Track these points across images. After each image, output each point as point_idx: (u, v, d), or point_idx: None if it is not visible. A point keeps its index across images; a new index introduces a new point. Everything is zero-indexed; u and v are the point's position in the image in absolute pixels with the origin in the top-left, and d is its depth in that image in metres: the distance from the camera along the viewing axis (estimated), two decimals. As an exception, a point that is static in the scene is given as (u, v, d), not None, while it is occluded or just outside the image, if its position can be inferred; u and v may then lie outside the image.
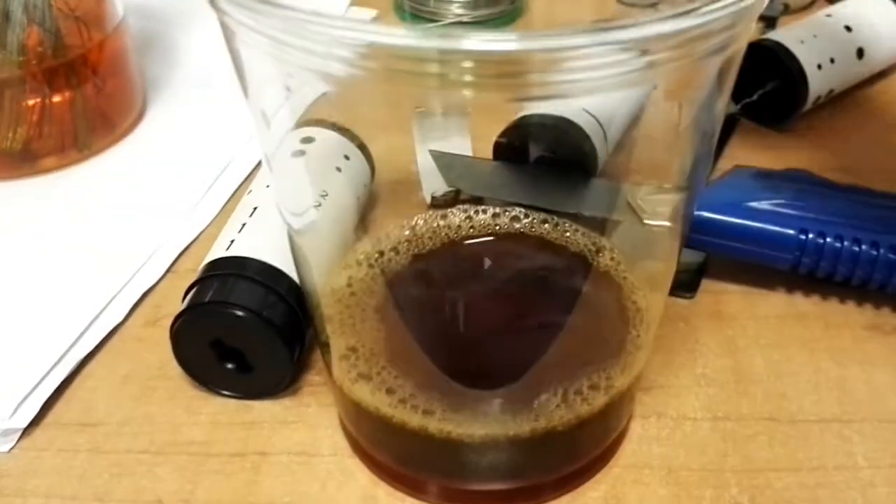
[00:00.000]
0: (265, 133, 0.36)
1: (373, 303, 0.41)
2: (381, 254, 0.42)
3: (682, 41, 0.27)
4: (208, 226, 0.55)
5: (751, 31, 0.31)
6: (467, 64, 0.26)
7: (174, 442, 0.43)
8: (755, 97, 0.62)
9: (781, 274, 0.49)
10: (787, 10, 0.72)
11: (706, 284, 0.50)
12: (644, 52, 0.26)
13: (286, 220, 0.38)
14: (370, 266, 0.42)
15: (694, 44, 0.27)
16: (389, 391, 0.38)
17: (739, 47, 0.31)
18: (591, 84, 0.27)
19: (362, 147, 0.47)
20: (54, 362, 0.45)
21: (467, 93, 0.27)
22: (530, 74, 0.26)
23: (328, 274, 0.41)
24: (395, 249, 0.43)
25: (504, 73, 0.26)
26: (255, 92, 0.34)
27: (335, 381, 0.40)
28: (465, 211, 0.45)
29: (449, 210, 0.45)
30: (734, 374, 0.45)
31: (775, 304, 0.49)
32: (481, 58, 0.25)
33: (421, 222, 0.44)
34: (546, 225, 0.44)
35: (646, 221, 0.42)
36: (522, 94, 0.28)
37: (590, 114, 0.49)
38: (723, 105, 0.35)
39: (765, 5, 0.29)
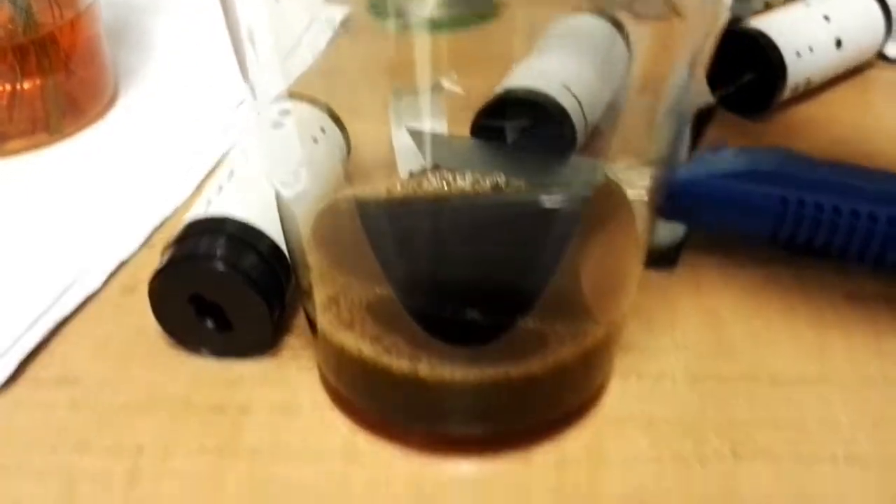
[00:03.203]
0: (252, 100, 0.37)
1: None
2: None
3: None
4: (184, 202, 0.55)
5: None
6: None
7: (154, 397, 0.42)
8: (732, 89, 0.63)
9: (760, 247, 0.49)
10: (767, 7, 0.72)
11: (685, 258, 0.50)
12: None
13: (274, 186, 0.39)
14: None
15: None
16: (374, 339, 0.38)
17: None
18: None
19: (337, 120, 0.47)
20: (31, 322, 0.45)
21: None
22: None
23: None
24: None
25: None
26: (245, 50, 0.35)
27: (319, 330, 0.40)
28: (444, 177, 0.45)
29: (427, 177, 0.45)
30: (714, 339, 0.46)
31: (754, 274, 0.50)
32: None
33: (398, 188, 0.44)
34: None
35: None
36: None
37: (569, 90, 0.49)
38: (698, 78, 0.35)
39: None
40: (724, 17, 0.33)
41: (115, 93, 0.65)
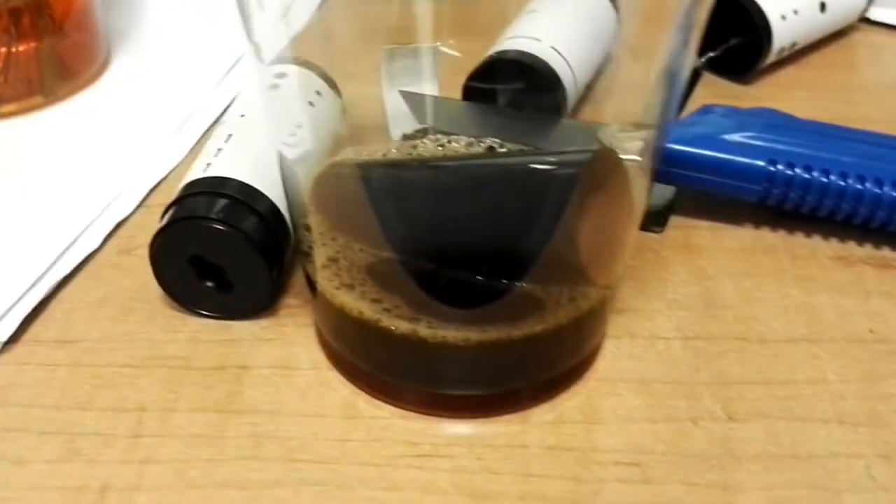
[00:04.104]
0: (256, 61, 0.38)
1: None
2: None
3: None
4: (179, 164, 0.55)
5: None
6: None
7: (154, 356, 0.43)
8: (719, 52, 0.63)
9: (748, 209, 0.50)
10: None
11: (676, 220, 0.51)
12: None
13: (276, 147, 0.39)
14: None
15: None
16: (374, 301, 0.38)
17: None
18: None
19: (332, 83, 0.47)
20: (31, 283, 0.45)
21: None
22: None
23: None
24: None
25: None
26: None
27: (318, 290, 0.40)
28: (438, 140, 0.45)
29: (421, 140, 0.45)
30: (704, 299, 0.46)
31: (743, 237, 0.50)
32: None
33: (394, 151, 0.45)
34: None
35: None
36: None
37: (558, 52, 0.50)
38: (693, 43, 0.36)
39: None
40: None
41: (107, 57, 0.66)
